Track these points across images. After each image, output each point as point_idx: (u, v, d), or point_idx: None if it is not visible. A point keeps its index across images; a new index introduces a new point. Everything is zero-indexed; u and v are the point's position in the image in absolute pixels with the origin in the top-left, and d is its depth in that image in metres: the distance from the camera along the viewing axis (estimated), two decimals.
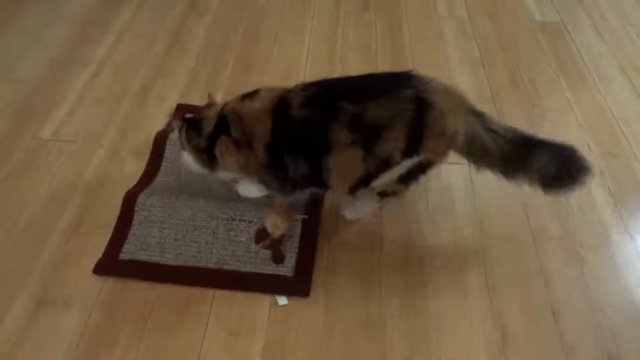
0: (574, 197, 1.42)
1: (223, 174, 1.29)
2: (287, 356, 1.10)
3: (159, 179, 1.43)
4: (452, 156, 1.25)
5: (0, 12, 2.06)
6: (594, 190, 1.46)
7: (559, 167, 1.16)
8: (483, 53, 1.97)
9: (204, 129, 1.22)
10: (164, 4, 2.18)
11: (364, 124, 1.10)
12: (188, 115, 1.28)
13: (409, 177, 1.24)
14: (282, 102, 1.15)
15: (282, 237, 1.22)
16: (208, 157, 1.24)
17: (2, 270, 1.22)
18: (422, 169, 1.22)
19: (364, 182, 1.20)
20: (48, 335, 1.11)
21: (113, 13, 2.11)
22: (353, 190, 1.24)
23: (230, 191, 1.38)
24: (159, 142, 1.50)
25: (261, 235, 1.22)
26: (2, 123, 1.60)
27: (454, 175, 1.49)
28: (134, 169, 1.46)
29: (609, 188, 1.48)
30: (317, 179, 1.19)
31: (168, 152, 1.48)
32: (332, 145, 1.12)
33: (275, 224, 1.16)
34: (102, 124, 1.61)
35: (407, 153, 1.14)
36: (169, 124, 1.60)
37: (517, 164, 1.19)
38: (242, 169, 1.23)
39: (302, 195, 1.33)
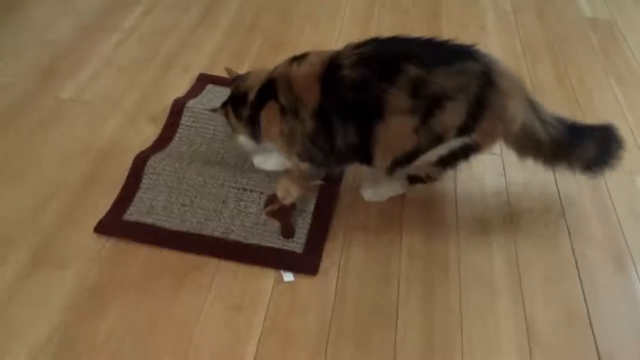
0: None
1: (266, 145, 1.22)
2: (290, 338, 1.01)
3: (174, 145, 1.37)
4: None
5: None
6: None
7: (600, 151, 1.18)
8: (526, 47, 1.85)
9: (249, 97, 1.16)
10: None
11: (427, 91, 1.02)
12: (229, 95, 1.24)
13: (449, 161, 1.15)
14: (332, 64, 1.07)
15: (292, 208, 1.14)
16: (253, 126, 1.17)
17: (5, 222, 1.18)
18: (466, 152, 1.13)
19: (409, 157, 1.12)
20: (43, 292, 1.05)
21: None
22: (394, 167, 1.15)
23: (245, 162, 1.32)
24: (177, 109, 1.45)
25: (270, 200, 1.13)
26: (27, 82, 1.58)
27: (486, 166, 1.38)
28: (150, 134, 1.41)
29: None
30: (364, 150, 1.11)
31: (185, 119, 1.42)
32: (387, 111, 1.04)
33: (286, 190, 1.08)
34: (124, 89, 1.58)
35: (462, 131, 1.06)
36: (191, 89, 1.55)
37: (563, 153, 1.16)
38: (286, 138, 1.14)
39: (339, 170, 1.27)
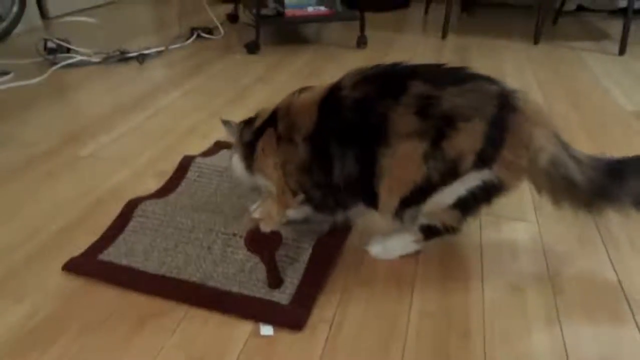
0: None
1: (259, 180, 1.11)
2: None
3: (173, 195, 1.29)
4: (517, 211, 1.04)
5: (92, 75, 2.28)
6: None
7: None
8: (564, 131, 1.73)
9: (255, 124, 1.10)
10: (237, 75, 2.27)
11: (437, 109, 0.91)
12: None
13: (469, 204, 0.98)
14: (333, 87, 1.00)
15: (274, 242, 0.97)
16: (250, 155, 1.09)
17: None
18: (488, 193, 0.97)
19: (421, 194, 0.97)
20: None
21: (188, 77, 2.23)
22: (403, 208, 1.00)
23: (243, 212, 1.20)
24: (185, 163, 1.40)
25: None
26: (52, 141, 1.61)
27: (518, 233, 1.19)
28: (153, 187, 1.35)
29: None
30: (366, 185, 0.98)
31: (190, 174, 1.36)
32: (391, 133, 0.93)
33: (267, 212, 0.93)
34: (141, 149, 1.57)
35: (481, 160, 0.92)
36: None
37: (606, 193, 0.96)
38: (279, 171, 1.04)
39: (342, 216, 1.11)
